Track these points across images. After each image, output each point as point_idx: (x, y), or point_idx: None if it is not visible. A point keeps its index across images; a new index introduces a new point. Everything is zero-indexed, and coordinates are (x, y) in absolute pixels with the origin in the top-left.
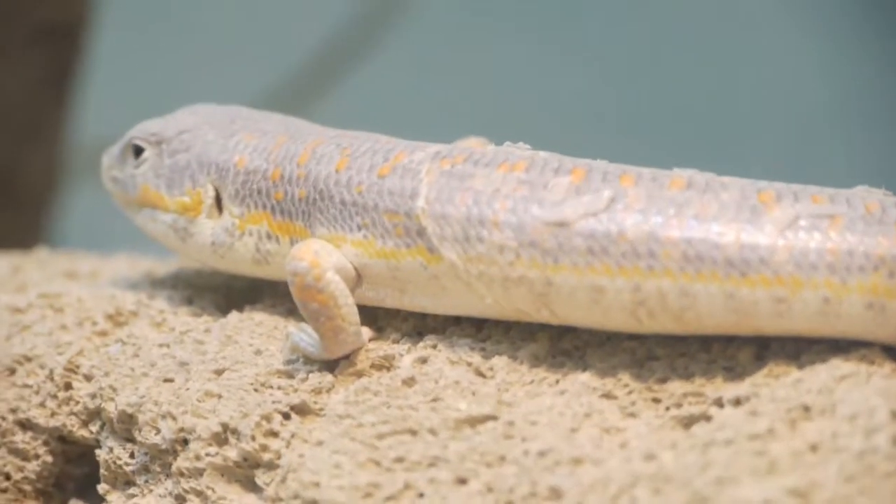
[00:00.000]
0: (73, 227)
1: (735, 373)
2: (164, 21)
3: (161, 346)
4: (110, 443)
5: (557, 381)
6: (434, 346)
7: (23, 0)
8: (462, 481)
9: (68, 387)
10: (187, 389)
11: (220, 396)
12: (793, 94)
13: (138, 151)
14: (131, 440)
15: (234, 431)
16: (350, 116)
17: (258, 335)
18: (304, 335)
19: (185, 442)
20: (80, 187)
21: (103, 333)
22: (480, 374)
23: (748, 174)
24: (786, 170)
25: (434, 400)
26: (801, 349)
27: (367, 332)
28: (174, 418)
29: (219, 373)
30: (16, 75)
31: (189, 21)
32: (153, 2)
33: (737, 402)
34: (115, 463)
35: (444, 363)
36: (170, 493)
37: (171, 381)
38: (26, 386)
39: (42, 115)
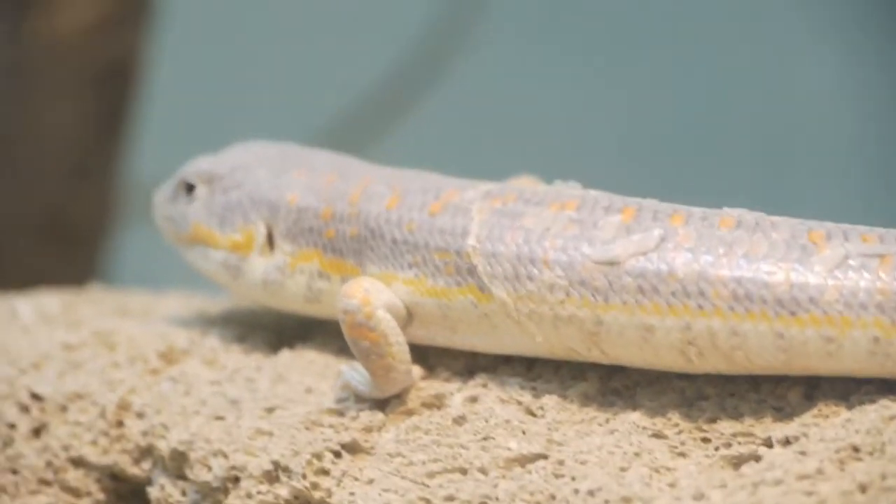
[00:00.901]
0: (127, 265)
1: (784, 412)
2: (218, 58)
3: (212, 383)
4: (162, 480)
5: (607, 421)
6: (485, 385)
7: (79, 38)
8: None
9: (120, 424)
10: (238, 427)
11: (271, 434)
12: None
13: (190, 189)
14: (183, 478)
15: (286, 469)
16: (403, 154)
17: (309, 373)
18: (355, 373)
19: (237, 480)
20: (133, 225)
21: (155, 371)
22: (531, 413)
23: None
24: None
25: (484, 439)
26: (851, 389)
27: (417, 370)
28: (225, 456)
29: (270, 411)
30: (70, 113)
31: (243, 58)
32: (208, 40)
33: (786, 441)
34: (166, 500)
35: (495, 402)
36: None
37: (222, 418)
38: (78, 423)
39: (96, 152)
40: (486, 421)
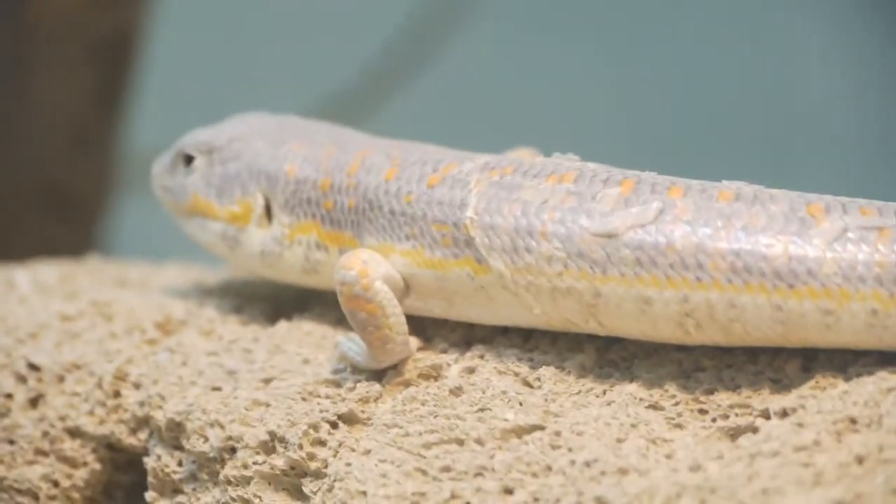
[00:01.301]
0: (125, 236)
1: (782, 384)
2: (215, 31)
3: (209, 354)
4: (158, 451)
5: (604, 392)
6: (482, 356)
7: (77, 11)
8: (508, 491)
9: (117, 395)
10: (235, 398)
11: (267, 405)
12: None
13: (189, 160)
14: (179, 448)
15: (282, 440)
16: (401, 126)
17: (306, 344)
18: (352, 344)
19: (233, 450)
20: (131, 196)
21: (152, 342)
22: (527, 385)
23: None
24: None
25: (481, 410)
26: (848, 361)
27: (414, 341)
28: (222, 427)
29: (267, 381)
30: (69, 85)
31: (240, 30)
32: (206, 12)
33: (783, 413)
34: (162, 471)
35: (492, 373)
36: (217, 502)
37: (219, 389)
38: (75, 394)
39: (94, 124)
40: (483, 392)
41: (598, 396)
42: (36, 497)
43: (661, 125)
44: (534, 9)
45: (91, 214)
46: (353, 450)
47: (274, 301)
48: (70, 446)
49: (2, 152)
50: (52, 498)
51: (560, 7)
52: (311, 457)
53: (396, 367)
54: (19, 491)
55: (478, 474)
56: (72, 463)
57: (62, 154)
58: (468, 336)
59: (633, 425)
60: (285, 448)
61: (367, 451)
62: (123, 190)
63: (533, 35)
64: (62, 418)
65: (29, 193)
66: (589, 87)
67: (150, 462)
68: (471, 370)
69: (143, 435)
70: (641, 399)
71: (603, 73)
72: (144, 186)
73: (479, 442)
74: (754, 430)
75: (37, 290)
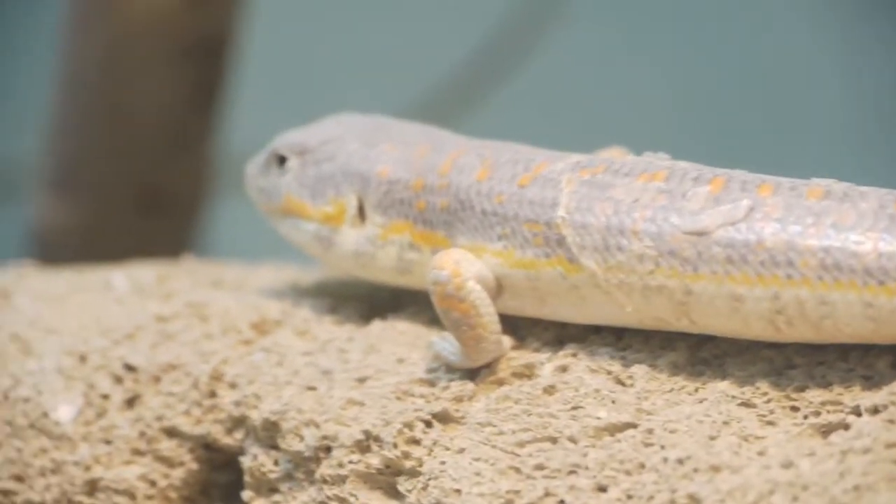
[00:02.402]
0: (221, 237)
1: (873, 381)
2: (309, 32)
3: (305, 354)
4: (254, 450)
5: (697, 390)
6: (574, 355)
7: (172, 13)
8: (602, 489)
9: (213, 395)
10: (330, 397)
11: (362, 404)
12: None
13: (282, 161)
14: (275, 448)
15: (377, 439)
16: (492, 126)
17: (401, 344)
18: (446, 344)
19: (329, 449)
20: (227, 197)
21: (248, 342)
22: (620, 383)
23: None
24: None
25: (574, 408)
26: None
27: (508, 340)
28: (317, 426)
29: (361, 381)
30: (165, 86)
31: (334, 31)
32: (300, 12)
33: (874, 410)
34: (259, 470)
35: (585, 371)
36: (313, 500)
37: (314, 389)
38: (172, 394)
39: (190, 125)
40: (576, 390)
41: (690, 394)
42: (133, 497)
43: (755, 125)
44: (629, 7)
45: (187, 215)
46: (448, 448)
47: (368, 301)
48: (167, 446)
49: (98, 154)
50: (150, 497)
51: (656, 6)
52: (406, 455)
53: (490, 366)
54: (116, 491)
55: (571, 472)
56: (169, 463)
57: (158, 155)
58: (561, 335)
59: (725, 423)
60: (380, 447)
61: (462, 450)
62: (219, 191)
63: (626, 34)
64: (159, 418)
65: (125, 195)
66: (683, 86)
67: (246, 461)
68: (564, 369)
69: (239, 434)
70: (733, 396)
71: (696, 73)
72: (240, 187)
73: (572, 440)
74: (846, 426)
75: (133, 291)
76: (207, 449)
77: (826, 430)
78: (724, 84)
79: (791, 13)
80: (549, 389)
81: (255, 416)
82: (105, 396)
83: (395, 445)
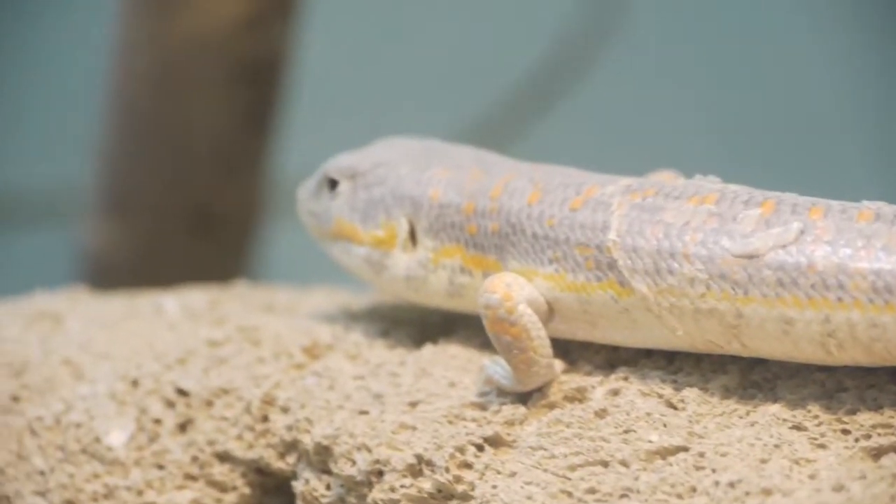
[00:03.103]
0: (274, 261)
1: None
2: (362, 55)
3: (356, 378)
4: (306, 474)
5: (748, 413)
6: (626, 378)
7: (225, 35)
8: None
9: (265, 419)
10: (382, 421)
11: (414, 428)
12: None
13: (333, 184)
14: (327, 472)
15: (429, 463)
16: (544, 150)
17: (452, 368)
18: (497, 367)
19: (380, 473)
20: (280, 221)
21: (300, 366)
22: (672, 406)
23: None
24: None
25: (626, 431)
26: None
27: (559, 364)
28: (369, 450)
29: (413, 405)
30: (218, 109)
31: (386, 55)
32: (352, 37)
33: None
34: (311, 494)
35: (636, 395)
36: None
37: (366, 413)
38: (224, 418)
39: (244, 149)
40: (628, 414)
41: (741, 417)
42: None
43: (805, 151)
44: (680, 31)
45: (240, 239)
46: (499, 472)
47: (420, 325)
48: (219, 471)
49: (151, 177)
50: None
51: (704, 25)
52: (458, 479)
53: (541, 390)
54: None
55: (623, 496)
56: (221, 487)
57: (211, 178)
58: (612, 358)
59: (776, 446)
60: (432, 471)
61: (513, 474)
62: (272, 214)
63: (675, 60)
64: (211, 443)
65: (178, 218)
66: (734, 109)
67: (298, 486)
68: (615, 392)
69: (291, 459)
70: (784, 420)
71: (747, 97)
72: (293, 211)
73: (623, 463)
74: None
75: (185, 315)
76: (260, 473)
77: (877, 454)
78: (775, 109)
79: (843, 37)
80: (601, 413)
81: (307, 441)
82: (157, 421)
83: (447, 469)
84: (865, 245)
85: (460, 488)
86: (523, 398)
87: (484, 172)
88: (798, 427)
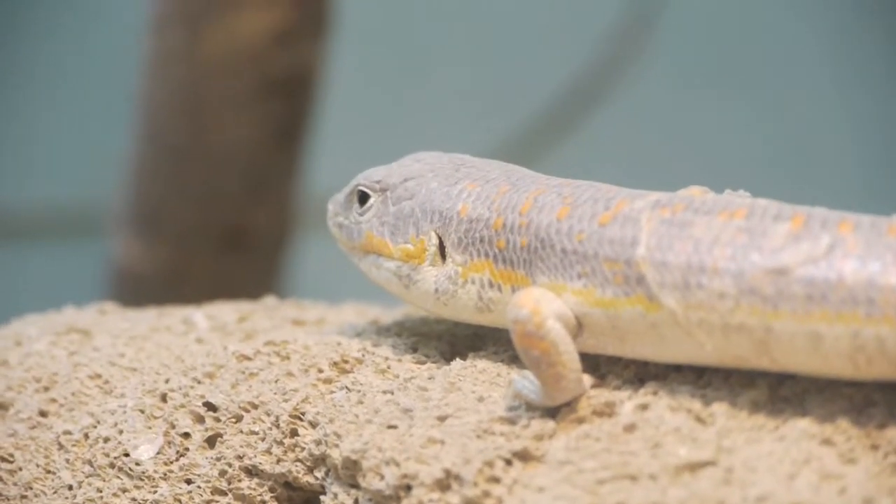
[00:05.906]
0: (304, 276)
1: None
2: (392, 70)
3: (385, 392)
4: (335, 489)
5: (777, 428)
6: (655, 393)
7: (256, 54)
8: None
9: (294, 433)
10: (411, 436)
11: (443, 443)
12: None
13: (363, 198)
14: (356, 486)
15: (457, 478)
16: (573, 165)
17: (481, 382)
18: (526, 382)
19: (409, 488)
20: (310, 236)
21: (328, 381)
22: (700, 421)
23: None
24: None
25: (654, 446)
26: None
27: (588, 379)
28: (398, 464)
29: (442, 419)
30: (248, 127)
31: (417, 70)
32: (383, 52)
33: None
34: None
35: (665, 410)
36: None
37: (394, 427)
38: (252, 433)
39: (274, 164)
40: (657, 428)
41: (770, 432)
42: None
43: (833, 167)
44: (709, 52)
45: (270, 255)
46: (528, 487)
47: (449, 339)
48: (248, 485)
49: (181, 193)
50: None
51: (733, 43)
52: (486, 494)
53: (570, 405)
54: None
55: None
56: (249, 501)
57: (241, 194)
58: (641, 373)
59: (805, 461)
60: (460, 485)
61: (542, 488)
62: (302, 230)
63: (705, 77)
64: (239, 457)
65: (208, 234)
66: (764, 125)
67: (326, 500)
68: (644, 407)
69: (319, 473)
70: (814, 435)
71: (777, 112)
72: (323, 226)
73: (652, 478)
74: None
75: (214, 330)
76: (288, 488)
77: None
78: (809, 123)
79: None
80: (630, 427)
81: (336, 455)
82: (186, 435)
83: (476, 484)
84: (895, 260)
85: (488, 503)
86: (552, 413)
87: (513, 187)
88: (827, 442)
